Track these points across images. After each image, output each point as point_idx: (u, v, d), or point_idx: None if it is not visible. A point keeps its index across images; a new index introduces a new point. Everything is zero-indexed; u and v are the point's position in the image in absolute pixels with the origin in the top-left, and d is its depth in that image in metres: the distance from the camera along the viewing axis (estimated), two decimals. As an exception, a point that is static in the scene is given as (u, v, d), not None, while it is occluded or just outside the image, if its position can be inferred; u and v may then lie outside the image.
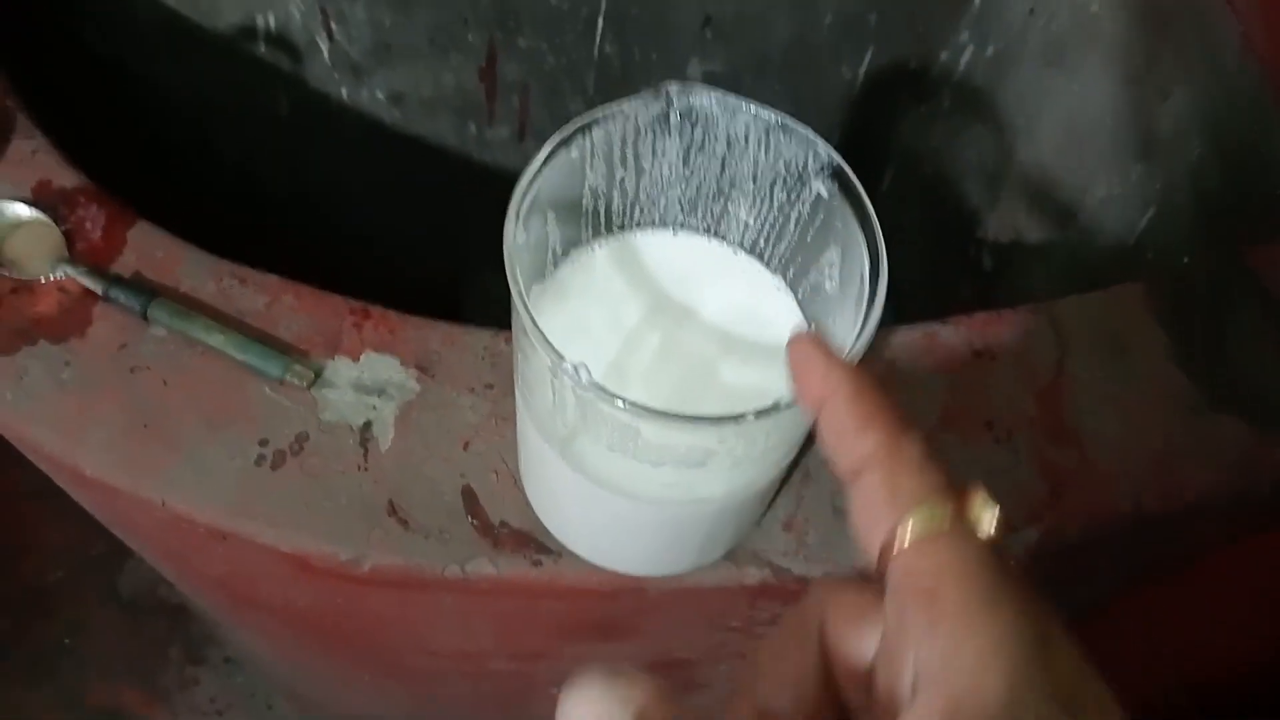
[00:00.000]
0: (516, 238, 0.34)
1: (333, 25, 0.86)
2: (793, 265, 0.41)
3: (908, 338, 0.53)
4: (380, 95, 0.93)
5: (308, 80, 0.90)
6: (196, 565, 0.55)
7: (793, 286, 0.42)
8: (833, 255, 0.38)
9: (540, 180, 0.36)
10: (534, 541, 0.47)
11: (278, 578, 0.51)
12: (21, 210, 0.51)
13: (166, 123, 0.85)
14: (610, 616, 0.51)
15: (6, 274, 0.50)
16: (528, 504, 0.47)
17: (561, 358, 0.32)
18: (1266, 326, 0.55)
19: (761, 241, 0.42)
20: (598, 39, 0.91)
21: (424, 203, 1.02)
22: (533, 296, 0.40)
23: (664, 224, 0.43)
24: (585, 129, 0.36)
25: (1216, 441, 0.51)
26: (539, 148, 0.36)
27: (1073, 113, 0.82)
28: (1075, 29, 0.81)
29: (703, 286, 0.42)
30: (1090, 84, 0.80)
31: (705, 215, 0.42)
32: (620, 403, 0.31)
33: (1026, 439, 0.51)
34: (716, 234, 0.43)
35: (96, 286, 0.49)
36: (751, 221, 0.41)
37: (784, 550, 0.48)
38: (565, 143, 0.36)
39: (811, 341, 0.29)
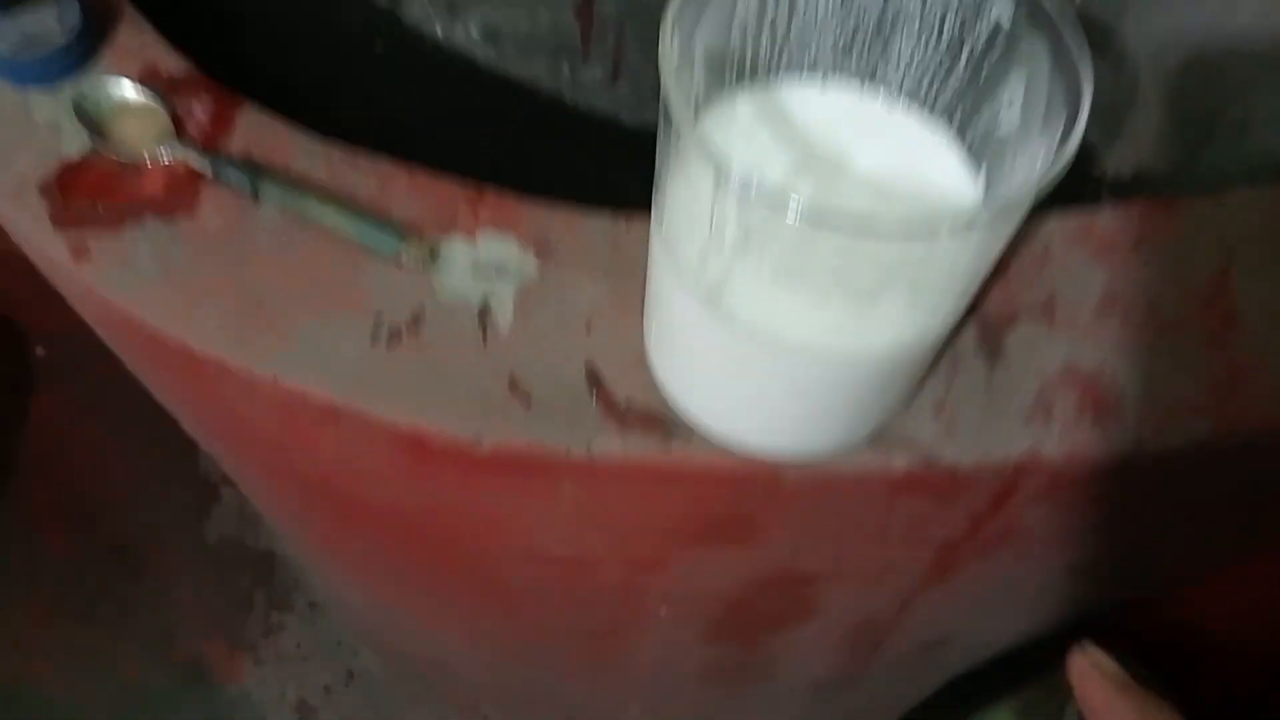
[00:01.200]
0: (673, 44, 0.31)
1: (429, -44, 0.84)
2: (960, 108, 0.38)
3: (1061, 224, 0.49)
4: (475, 34, 0.91)
5: (402, 18, 0.89)
6: (300, 466, 0.53)
7: (962, 132, 0.38)
8: (1013, 89, 0.34)
9: (689, 8, 0.32)
10: (664, 422, 0.43)
11: (388, 469, 0.48)
12: (129, 91, 0.50)
13: (257, 63, 0.84)
14: (737, 512, 0.47)
15: (114, 154, 0.48)
16: (656, 385, 0.44)
17: (728, 162, 0.29)
18: None
19: (925, 83, 0.38)
20: (698, -29, 0.88)
21: (516, 146, 1.00)
22: (665, 163, 0.37)
23: (814, 69, 0.39)
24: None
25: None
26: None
27: (1205, 37, 0.77)
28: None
29: (855, 143, 0.39)
30: (1223, 5, 0.75)
31: (861, 55, 0.39)
32: (794, 202, 0.28)
33: (1195, 332, 0.46)
34: (872, 80, 0.39)
35: (205, 167, 0.48)
36: (914, 63, 0.38)
37: (933, 434, 0.44)
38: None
39: (1093, 663, 0.29)
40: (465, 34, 0.91)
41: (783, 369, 0.37)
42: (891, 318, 0.34)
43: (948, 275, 0.32)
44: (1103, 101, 0.89)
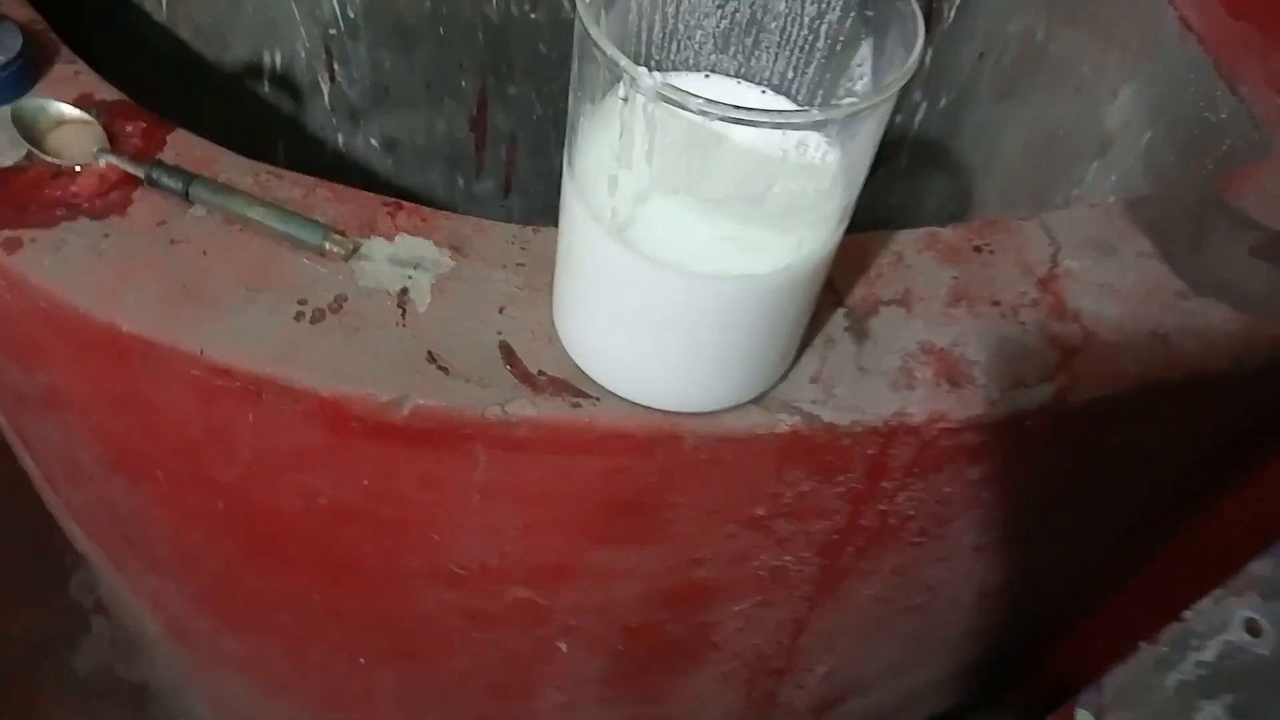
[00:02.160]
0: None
1: (335, 65, 0.91)
2: (821, 88, 0.45)
3: (911, 236, 0.56)
4: (375, 142, 0.98)
5: (306, 125, 0.95)
6: (211, 470, 0.54)
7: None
8: (863, 52, 0.42)
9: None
10: (572, 387, 0.47)
11: (304, 452, 0.50)
12: (65, 108, 0.53)
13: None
14: (642, 485, 0.51)
15: (50, 161, 0.51)
16: (565, 358, 0.48)
17: (636, 70, 0.34)
18: (1236, 233, 0.59)
19: (790, 72, 0.45)
20: (583, 89, 0.97)
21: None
22: (579, 112, 0.43)
23: (696, 67, 0.46)
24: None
25: (1207, 321, 0.55)
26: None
27: (1027, 135, 0.89)
28: (1023, 59, 0.89)
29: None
30: (1041, 106, 0.87)
31: (737, 52, 0.46)
32: (693, 101, 0.34)
33: (1032, 315, 0.53)
34: (746, 77, 0.46)
35: (138, 170, 0.51)
36: (781, 51, 0.45)
37: (812, 399, 0.49)
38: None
39: None
40: (365, 143, 0.97)
41: (680, 301, 0.41)
42: (776, 245, 0.40)
43: (819, 193, 0.38)
44: (947, 209, 1.01)
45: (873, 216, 1.10)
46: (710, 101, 0.34)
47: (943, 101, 1.01)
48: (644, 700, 0.74)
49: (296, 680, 0.77)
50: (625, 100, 0.36)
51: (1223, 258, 0.58)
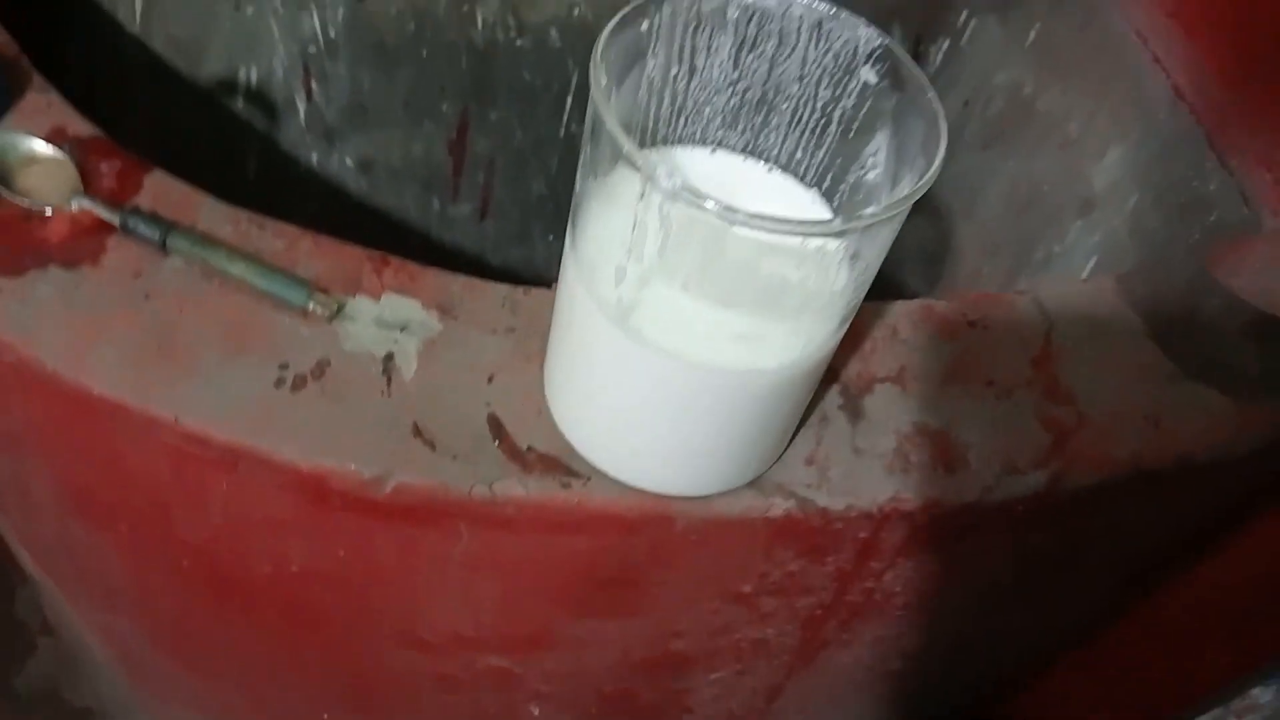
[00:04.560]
0: (601, 68, 0.36)
1: (313, 84, 0.88)
2: (830, 173, 0.44)
3: (907, 309, 0.55)
4: (350, 162, 0.95)
5: (280, 142, 0.92)
6: (181, 530, 0.52)
7: (828, 196, 0.44)
8: (879, 143, 0.41)
9: (615, 44, 0.38)
10: (562, 465, 0.46)
11: (281, 521, 0.48)
12: (37, 145, 0.51)
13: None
14: (628, 564, 0.49)
15: (18, 203, 0.49)
16: (556, 431, 0.46)
17: (653, 166, 0.33)
18: (1228, 314, 0.59)
19: (799, 153, 0.44)
20: (565, 117, 0.95)
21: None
22: (586, 192, 0.41)
23: (703, 141, 0.45)
24: (658, 2, 0.39)
25: (1197, 406, 0.54)
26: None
27: (1009, 187, 0.89)
28: (1009, 111, 0.88)
29: (740, 195, 0.44)
30: (1025, 159, 0.87)
31: (745, 129, 0.44)
32: (710, 204, 0.33)
33: (1025, 396, 0.53)
34: (753, 152, 0.45)
35: (113, 217, 0.49)
36: (791, 132, 0.44)
37: (807, 482, 0.48)
38: (641, 10, 0.38)
39: None
40: (340, 162, 0.95)
41: (683, 391, 0.40)
42: (782, 339, 0.39)
43: (833, 291, 0.37)
44: (926, 250, 1.00)
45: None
46: (728, 208, 0.33)
47: (926, 144, 1.00)
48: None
49: (254, 722, 0.75)
50: (642, 195, 0.34)
51: (1214, 339, 0.58)
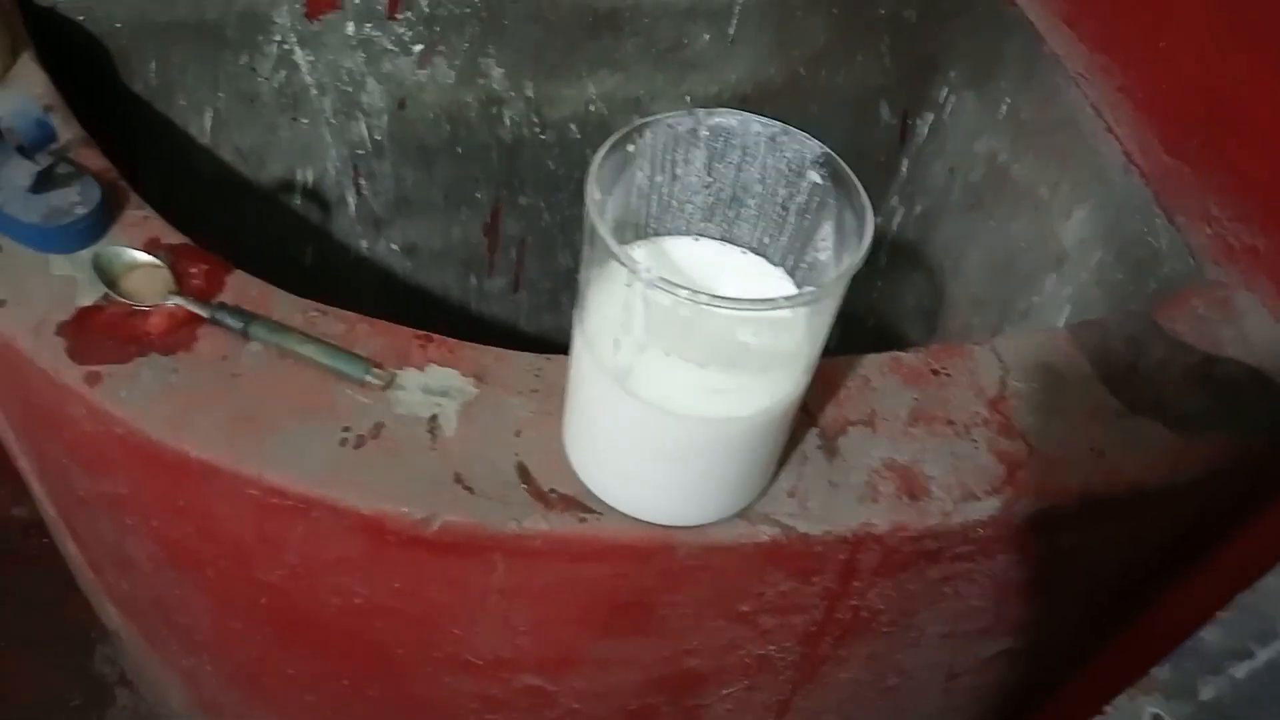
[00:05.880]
0: (595, 187, 0.45)
1: (362, 181, 0.99)
2: (791, 254, 0.52)
3: (877, 360, 0.64)
4: (396, 247, 1.06)
5: (334, 232, 1.03)
6: (259, 571, 0.61)
7: (791, 273, 0.53)
8: (826, 230, 0.49)
9: (608, 162, 0.47)
10: (579, 504, 0.55)
11: (346, 558, 0.57)
12: (138, 255, 0.61)
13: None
14: (639, 587, 0.58)
15: (126, 302, 0.59)
16: (574, 475, 0.55)
17: (635, 261, 0.42)
18: (1169, 357, 0.67)
19: (766, 238, 0.53)
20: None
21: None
22: (588, 279, 0.50)
23: (688, 232, 0.54)
24: (639, 129, 0.48)
25: (1143, 439, 0.62)
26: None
27: (992, 246, 0.97)
28: (989, 178, 0.97)
29: (719, 277, 0.53)
30: (1004, 220, 0.95)
31: (721, 221, 0.53)
32: (681, 290, 0.42)
33: (982, 434, 0.61)
34: (730, 239, 0.54)
35: (203, 311, 0.59)
36: (758, 222, 0.53)
37: (789, 512, 0.56)
38: (627, 137, 0.48)
39: None
40: (386, 247, 1.06)
41: (674, 438, 0.49)
42: (754, 391, 0.48)
43: (789, 351, 0.46)
44: (923, 306, 1.09)
45: (857, 309, 1.19)
46: (694, 291, 0.42)
47: (918, 209, 1.09)
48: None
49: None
50: (628, 284, 0.44)
51: (1158, 379, 0.66)
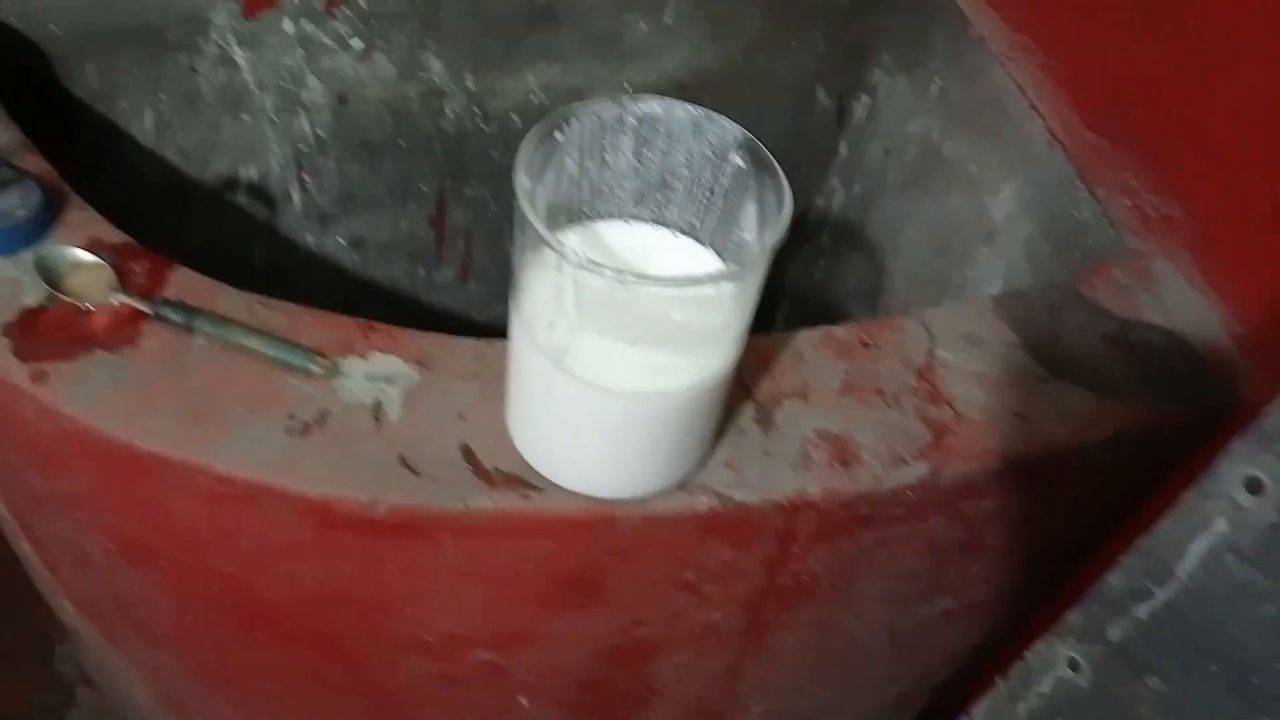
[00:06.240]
0: (524, 176, 0.47)
1: (306, 177, 1.00)
2: (719, 235, 0.54)
3: (810, 336, 0.66)
4: (343, 241, 1.07)
5: (280, 228, 1.04)
6: (214, 562, 0.62)
7: (720, 253, 0.55)
8: (750, 210, 0.52)
9: (537, 151, 0.49)
10: (523, 481, 0.56)
11: (298, 545, 0.59)
12: (80, 254, 0.62)
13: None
14: (585, 561, 0.60)
15: (69, 301, 0.60)
16: (517, 454, 0.57)
17: (563, 245, 0.44)
18: (1090, 324, 0.70)
19: (695, 220, 0.55)
20: (532, 188, 1.07)
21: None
22: (522, 264, 0.52)
23: (620, 216, 0.56)
24: (566, 118, 0.50)
25: (1063, 402, 0.65)
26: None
27: (928, 224, 1.00)
28: (923, 158, 1.00)
29: (651, 260, 0.55)
30: (939, 198, 0.98)
31: (651, 205, 0.55)
32: (608, 271, 0.43)
33: (910, 402, 0.63)
34: (660, 222, 0.56)
35: (147, 307, 0.60)
36: (687, 205, 0.55)
37: (727, 482, 0.58)
38: (554, 125, 0.49)
39: None
40: (334, 242, 1.07)
41: (610, 413, 0.51)
42: (684, 367, 0.50)
43: (718, 327, 0.48)
44: (864, 285, 1.11)
45: (800, 289, 1.21)
46: (620, 271, 0.43)
47: (857, 189, 1.12)
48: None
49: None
50: (558, 267, 0.45)
51: (1078, 345, 0.69)
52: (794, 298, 1.25)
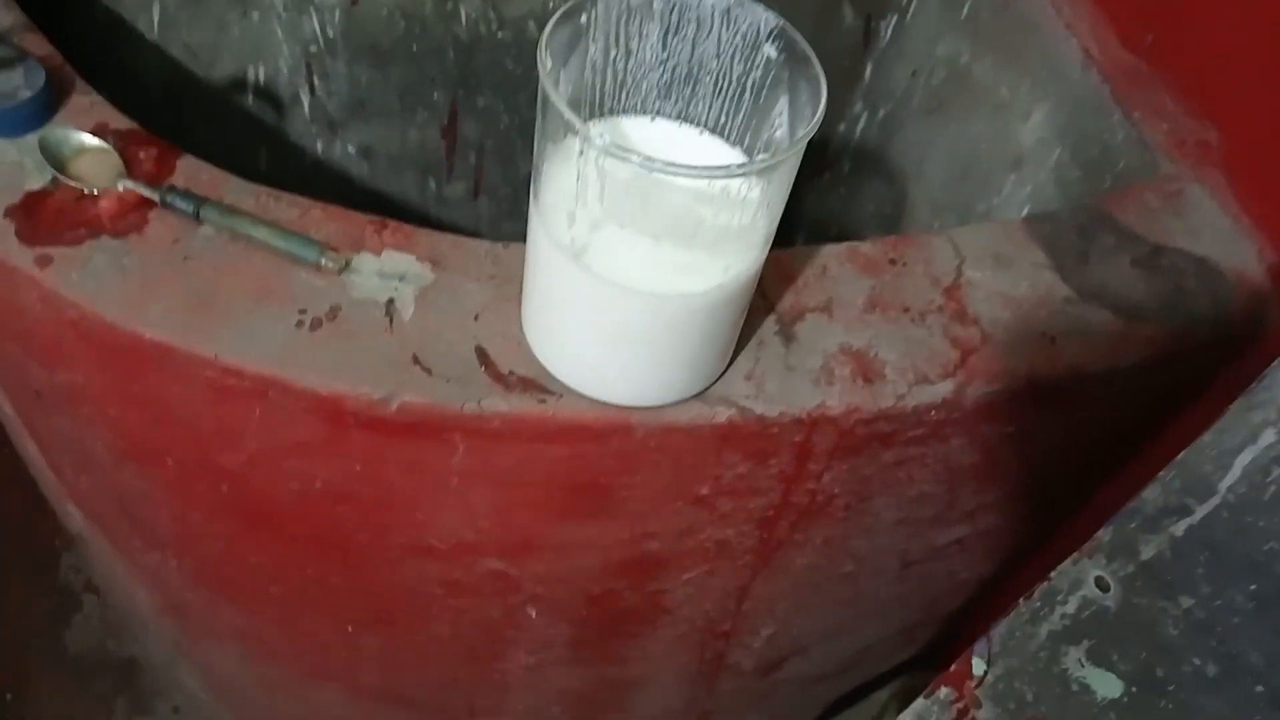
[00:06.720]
0: (547, 56, 0.45)
1: (315, 80, 0.97)
2: (749, 132, 0.52)
3: (835, 250, 0.64)
4: (352, 150, 1.04)
5: (288, 134, 1.01)
6: (219, 458, 0.61)
7: (749, 151, 0.53)
8: (781, 105, 0.49)
9: (557, 35, 0.46)
10: (538, 385, 0.55)
11: (304, 443, 0.58)
12: (86, 138, 0.60)
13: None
14: (599, 469, 0.58)
15: (74, 185, 0.58)
16: (533, 358, 0.55)
17: (588, 129, 0.42)
18: (1119, 246, 0.68)
19: (723, 117, 0.53)
20: (547, 101, 1.04)
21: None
22: (542, 154, 0.50)
23: (644, 111, 0.54)
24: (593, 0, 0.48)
25: (1089, 324, 0.63)
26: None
27: (953, 149, 0.97)
28: (950, 80, 0.97)
29: (676, 157, 0.53)
30: (965, 122, 0.95)
31: (678, 100, 0.53)
32: (634, 157, 0.42)
33: (936, 320, 0.62)
34: (687, 119, 0.54)
35: (153, 194, 0.58)
36: (715, 100, 0.52)
37: (746, 394, 0.57)
38: (580, 7, 0.47)
39: None
40: (343, 151, 1.04)
41: (630, 314, 0.49)
42: (708, 268, 0.48)
43: (744, 226, 0.46)
44: (884, 212, 1.09)
45: (818, 216, 1.19)
46: (647, 158, 0.41)
47: (880, 114, 1.09)
48: (605, 661, 0.82)
49: (287, 647, 0.85)
50: (581, 153, 0.43)
51: (1107, 268, 0.67)
52: (811, 225, 1.22)
